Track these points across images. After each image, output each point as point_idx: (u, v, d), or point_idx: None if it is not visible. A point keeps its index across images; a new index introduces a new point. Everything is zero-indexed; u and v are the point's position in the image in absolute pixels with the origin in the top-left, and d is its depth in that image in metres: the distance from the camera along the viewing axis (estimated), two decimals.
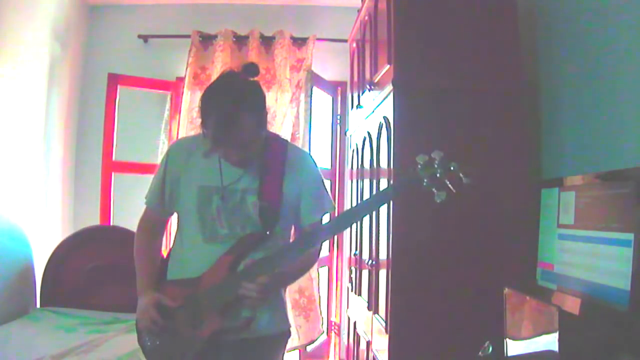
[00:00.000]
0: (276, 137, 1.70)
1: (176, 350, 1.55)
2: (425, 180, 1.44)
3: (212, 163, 1.56)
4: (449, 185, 1.44)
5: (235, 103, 1.41)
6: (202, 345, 1.52)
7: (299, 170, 1.62)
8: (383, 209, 2.24)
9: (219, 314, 1.52)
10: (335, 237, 3.76)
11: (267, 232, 1.55)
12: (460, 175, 1.43)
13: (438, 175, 1.43)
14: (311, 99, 3.51)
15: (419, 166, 1.45)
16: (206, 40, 3.50)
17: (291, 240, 1.68)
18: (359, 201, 2.86)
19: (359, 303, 2.76)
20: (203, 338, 1.52)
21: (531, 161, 2.16)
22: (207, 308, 1.52)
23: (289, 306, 3.36)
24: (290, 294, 3.38)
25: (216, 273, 1.53)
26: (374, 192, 2.44)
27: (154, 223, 1.70)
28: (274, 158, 1.60)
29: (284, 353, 1.73)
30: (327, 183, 3.76)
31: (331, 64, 3.68)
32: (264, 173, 1.57)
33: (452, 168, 1.43)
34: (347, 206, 3.58)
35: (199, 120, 1.50)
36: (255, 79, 1.51)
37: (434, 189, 1.44)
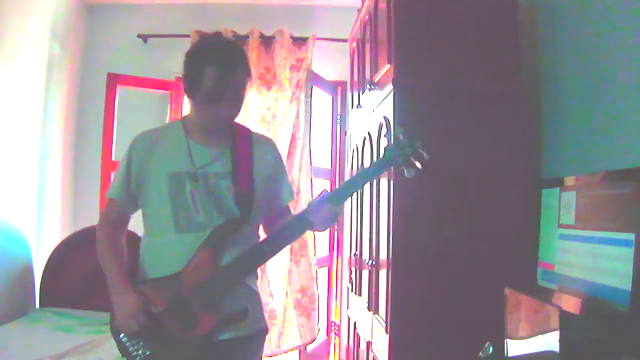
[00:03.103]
0: (240, 123, 1.69)
1: (174, 356, 1.49)
2: (400, 160, 1.53)
3: (181, 147, 1.55)
4: (417, 163, 1.52)
5: (231, 53, 1.48)
6: (201, 345, 1.49)
7: (265, 154, 1.64)
8: (383, 209, 2.24)
9: (212, 310, 1.48)
10: (335, 237, 3.76)
11: (244, 218, 1.53)
12: (422, 152, 1.52)
13: (409, 153, 1.52)
14: (311, 99, 3.51)
15: (391, 144, 1.53)
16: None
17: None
18: (358, 201, 2.86)
19: (359, 303, 2.76)
20: (201, 337, 1.48)
21: (531, 161, 2.16)
22: (197, 307, 1.47)
23: (292, 306, 3.37)
24: (292, 293, 3.39)
25: (199, 269, 1.48)
26: (374, 191, 2.44)
27: (117, 218, 1.63)
28: (242, 142, 1.61)
29: (263, 350, 1.70)
30: (327, 183, 3.77)
31: (331, 63, 3.68)
32: (235, 157, 1.57)
33: (417, 145, 1.52)
34: (347, 207, 3.58)
35: (187, 85, 1.50)
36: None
37: (403, 167, 1.54)
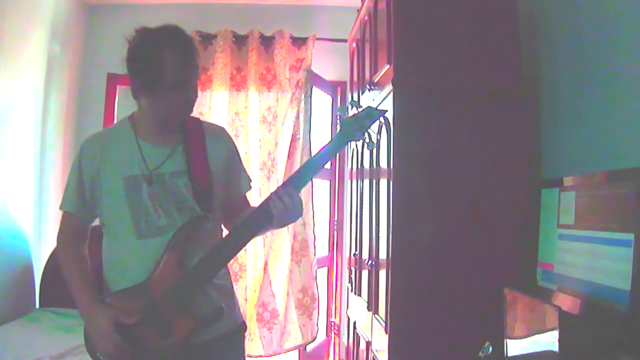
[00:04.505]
0: (190, 116, 1.63)
1: None
2: (358, 133, 1.53)
3: (132, 149, 1.49)
4: (373, 134, 1.54)
5: (186, 40, 1.45)
6: (180, 351, 1.44)
7: (218, 143, 1.59)
8: (383, 209, 2.24)
9: (186, 314, 1.44)
10: (335, 237, 3.76)
11: (207, 215, 1.48)
12: (375, 110, 1.55)
13: (366, 125, 1.53)
14: (311, 99, 3.50)
15: (344, 118, 1.54)
16: (206, 40, 3.49)
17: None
18: (358, 200, 2.86)
19: (359, 303, 2.76)
20: (180, 342, 1.43)
21: (531, 161, 2.16)
22: (171, 312, 1.43)
23: (293, 305, 3.37)
24: (293, 293, 3.39)
25: (166, 273, 1.43)
26: (374, 191, 2.44)
27: (76, 230, 1.55)
28: (193, 135, 1.55)
29: (244, 347, 1.65)
30: (327, 183, 3.77)
31: (331, 64, 3.67)
32: (189, 153, 1.51)
33: (372, 112, 1.54)
34: (346, 206, 3.58)
35: (138, 83, 1.45)
36: None
37: (365, 140, 1.54)
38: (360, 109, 1.56)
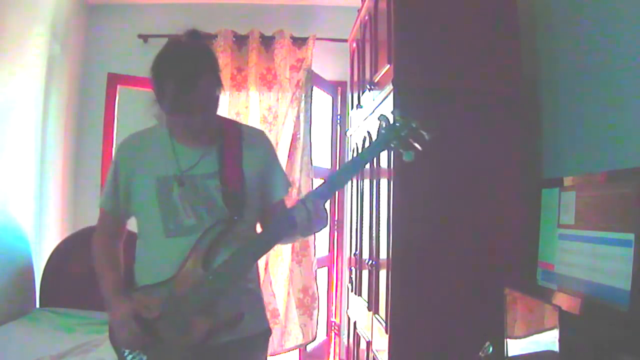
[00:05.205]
0: (228, 119, 1.67)
1: None
2: (393, 142, 1.46)
3: (166, 150, 1.51)
4: (415, 144, 1.46)
5: (188, 64, 1.40)
6: (196, 351, 1.45)
7: (256, 147, 1.59)
8: (383, 209, 2.24)
9: (206, 314, 1.45)
10: (335, 237, 3.76)
11: (235, 217, 1.48)
12: (422, 132, 1.46)
13: (403, 135, 1.46)
14: (311, 99, 3.51)
15: (383, 128, 1.47)
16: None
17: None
18: (358, 200, 2.86)
19: (359, 303, 2.76)
20: (196, 342, 1.45)
21: (531, 161, 2.16)
22: (191, 311, 1.44)
23: (294, 305, 3.38)
24: (294, 293, 3.40)
25: (190, 273, 1.45)
26: (374, 191, 2.44)
27: (111, 227, 1.61)
28: (230, 138, 1.55)
29: (266, 352, 1.66)
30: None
31: (331, 64, 3.68)
32: (223, 155, 1.52)
33: (414, 125, 1.45)
34: (347, 207, 3.58)
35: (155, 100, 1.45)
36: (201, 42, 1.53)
37: (401, 150, 1.47)
38: (397, 118, 1.49)
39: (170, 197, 1.49)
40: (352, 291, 3.03)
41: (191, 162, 1.51)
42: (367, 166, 2.62)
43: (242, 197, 1.51)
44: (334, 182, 1.53)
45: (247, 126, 1.70)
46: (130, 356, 1.49)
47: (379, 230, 2.33)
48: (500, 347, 1.80)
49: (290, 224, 1.46)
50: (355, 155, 1.40)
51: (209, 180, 1.50)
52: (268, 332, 1.64)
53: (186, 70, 1.39)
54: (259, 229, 1.64)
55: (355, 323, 2.92)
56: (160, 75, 1.42)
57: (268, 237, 1.50)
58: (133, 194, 1.54)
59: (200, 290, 1.44)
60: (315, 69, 3.52)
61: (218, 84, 1.47)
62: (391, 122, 1.48)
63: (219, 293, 1.46)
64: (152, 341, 1.45)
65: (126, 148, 1.59)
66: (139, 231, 1.58)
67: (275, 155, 1.67)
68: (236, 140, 1.56)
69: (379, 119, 1.50)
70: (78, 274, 2.79)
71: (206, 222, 1.48)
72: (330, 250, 3.79)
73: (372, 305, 2.39)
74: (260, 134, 1.68)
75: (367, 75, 2.67)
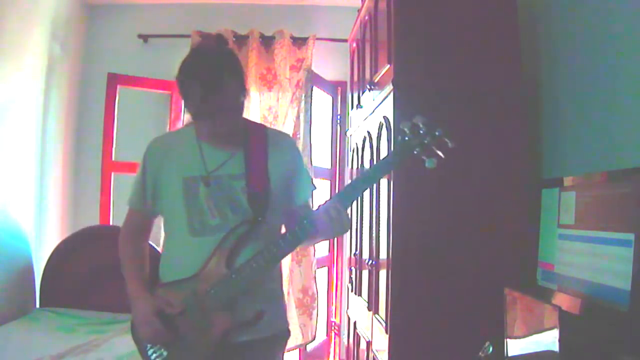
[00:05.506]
0: (254, 122, 1.70)
1: (190, 358, 1.50)
2: (416, 149, 1.46)
3: (193, 151, 1.55)
4: (438, 152, 1.45)
5: (214, 69, 1.43)
6: (216, 348, 1.48)
7: (281, 151, 1.61)
8: (383, 209, 2.24)
9: (226, 312, 1.48)
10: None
11: (259, 218, 1.51)
12: (446, 140, 1.45)
13: (426, 142, 1.45)
14: (311, 99, 3.51)
15: (407, 134, 1.47)
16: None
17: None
18: (358, 201, 2.86)
19: (359, 303, 2.76)
20: (215, 339, 1.47)
21: (531, 161, 2.16)
22: (212, 308, 1.47)
23: (293, 305, 3.38)
24: (294, 293, 3.40)
25: (213, 271, 1.48)
26: (374, 191, 2.44)
27: (138, 225, 1.65)
28: (256, 141, 1.58)
29: (284, 353, 1.70)
30: (327, 183, 3.77)
31: (331, 64, 3.68)
32: (248, 157, 1.55)
33: (437, 133, 1.45)
34: None
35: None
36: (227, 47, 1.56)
37: (423, 157, 1.46)
38: (421, 125, 1.47)
39: (196, 197, 1.52)
40: (352, 291, 3.03)
41: (217, 163, 1.53)
42: (367, 166, 2.62)
43: (267, 198, 1.53)
44: (358, 186, 1.55)
45: (274, 130, 1.73)
46: (152, 350, 1.52)
47: (379, 230, 2.33)
48: (500, 347, 1.80)
49: (313, 226, 1.48)
50: (380, 159, 1.40)
51: (235, 181, 1.53)
52: (287, 332, 1.66)
53: (211, 76, 1.42)
54: (282, 230, 1.66)
55: (355, 323, 2.92)
56: (185, 81, 1.45)
57: (291, 238, 1.51)
58: (160, 194, 1.58)
59: (223, 288, 1.47)
60: (315, 69, 3.52)
61: (242, 89, 1.50)
62: (415, 127, 1.47)
63: (241, 292, 1.48)
64: (173, 337, 1.49)
65: (154, 149, 1.63)
66: (166, 230, 1.62)
67: (301, 159, 1.69)
68: (262, 143, 1.59)
69: (401, 126, 1.48)
70: (78, 274, 2.79)
71: (231, 222, 1.51)
72: (330, 250, 3.79)
73: (372, 305, 2.39)
74: (286, 138, 1.73)
75: (367, 75, 2.67)
